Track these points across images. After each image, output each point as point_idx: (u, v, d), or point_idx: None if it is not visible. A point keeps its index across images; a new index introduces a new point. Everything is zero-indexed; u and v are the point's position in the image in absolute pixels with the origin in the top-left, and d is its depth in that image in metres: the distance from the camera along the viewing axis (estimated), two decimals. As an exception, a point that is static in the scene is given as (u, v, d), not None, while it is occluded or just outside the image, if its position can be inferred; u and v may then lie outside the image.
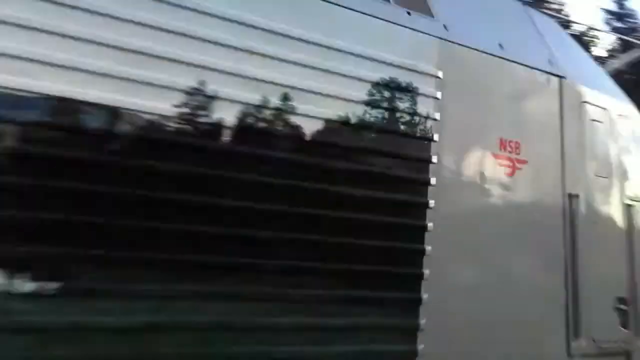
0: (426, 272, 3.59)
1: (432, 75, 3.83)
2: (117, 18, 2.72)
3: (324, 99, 3.34)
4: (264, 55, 3.14)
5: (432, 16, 4.01)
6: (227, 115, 2.99)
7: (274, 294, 3.10)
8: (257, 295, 3.04)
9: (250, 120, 3.11)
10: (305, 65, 3.29)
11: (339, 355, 3.29)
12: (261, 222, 3.05)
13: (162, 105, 2.82)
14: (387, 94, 3.64)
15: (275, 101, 3.14)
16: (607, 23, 28.62)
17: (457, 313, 3.72)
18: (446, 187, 3.79)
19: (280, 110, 3.17)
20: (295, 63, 3.24)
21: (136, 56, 2.76)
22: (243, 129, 3.08)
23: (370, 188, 3.45)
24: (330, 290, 3.30)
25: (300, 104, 3.22)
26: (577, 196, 4.56)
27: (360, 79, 3.50)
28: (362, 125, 3.51)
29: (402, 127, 3.74)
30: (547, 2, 23.39)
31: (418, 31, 3.86)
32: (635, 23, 28.97)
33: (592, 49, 24.76)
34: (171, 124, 2.86)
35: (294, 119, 3.23)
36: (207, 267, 2.90)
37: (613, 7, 29.02)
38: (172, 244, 2.81)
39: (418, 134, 3.78)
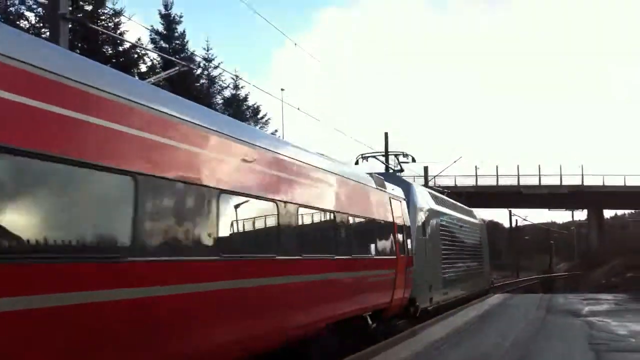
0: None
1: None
2: None
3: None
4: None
5: None
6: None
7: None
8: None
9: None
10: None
11: None
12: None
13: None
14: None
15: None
16: (154, 42, 33.10)
17: None
18: None
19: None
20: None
21: None
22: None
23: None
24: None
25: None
26: None
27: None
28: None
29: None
30: (99, 19, 25.90)
31: None
32: (182, 45, 33.65)
33: (139, 65, 28.79)
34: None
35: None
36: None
37: (161, 28, 33.50)
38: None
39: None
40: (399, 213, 16.26)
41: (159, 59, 30.46)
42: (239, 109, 36.52)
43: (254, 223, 8.98)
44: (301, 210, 10.10)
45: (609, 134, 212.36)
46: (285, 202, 9.48)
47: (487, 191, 71.18)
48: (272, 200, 9.16)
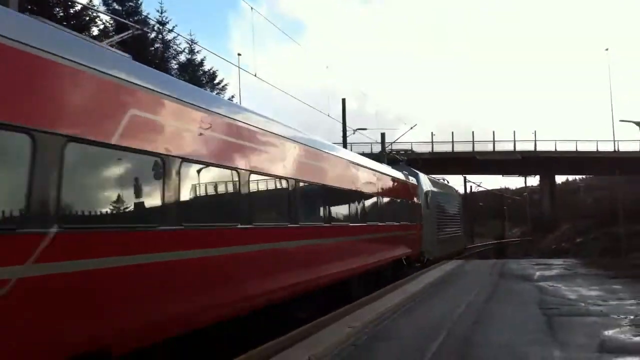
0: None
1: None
2: None
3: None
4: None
5: None
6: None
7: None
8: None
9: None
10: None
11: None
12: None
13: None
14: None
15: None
16: (106, 4, 32.47)
17: None
18: None
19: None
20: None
21: None
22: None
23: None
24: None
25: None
26: None
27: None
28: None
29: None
30: None
31: None
32: (135, 7, 33.05)
33: (91, 28, 28.67)
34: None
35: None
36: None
37: None
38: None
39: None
40: (415, 194, 26.29)
41: (111, 21, 29.71)
42: (195, 75, 35.96)
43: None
44: (368, 196, 18.01)
45: (561, 98, 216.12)
46: (351, 190, 16.32)
47: (443, 157, 71.98)
48: (355, 191, 16.80)
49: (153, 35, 33.99)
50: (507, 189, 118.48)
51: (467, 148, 73.78)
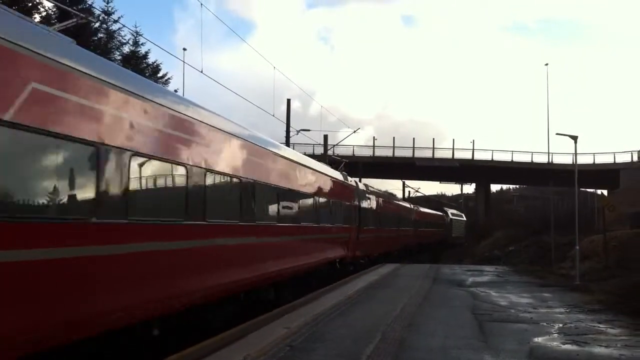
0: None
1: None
2: None
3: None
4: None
5: None
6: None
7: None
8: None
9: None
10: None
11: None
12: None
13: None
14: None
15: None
16: None
17: None
18: None
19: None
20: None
21: None
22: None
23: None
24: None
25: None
26: None
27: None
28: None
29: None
30: None
31: None
32: None
33: (34, 15, 27.64)
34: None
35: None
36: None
37: None
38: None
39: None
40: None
41: (54, 9, 28.87)
42: (138, 67, 35.29)
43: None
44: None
45: (500, 110, 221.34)
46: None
47: (384, 162, 72.76)
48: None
49: (97, 25, 33.16)
50: (444, 195, 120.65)
51: (408, 154, 74.81)
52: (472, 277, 24.82)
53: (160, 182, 9.16)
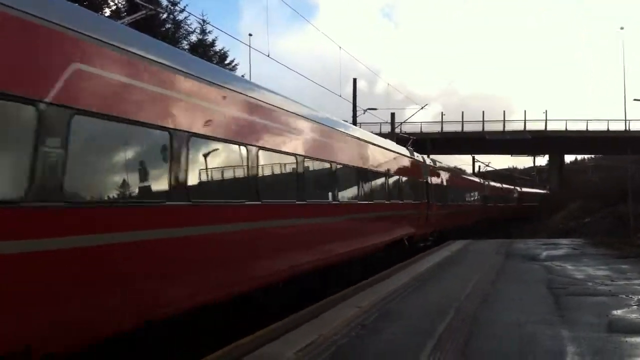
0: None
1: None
2: None
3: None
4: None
5: None
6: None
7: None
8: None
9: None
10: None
11: None
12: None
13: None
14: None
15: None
16: None
17: None
18: None
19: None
20: None
21: None
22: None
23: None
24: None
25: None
26: None
27: None
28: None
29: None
30: None
31: None
32: None
33: (104, 8, 28.41)
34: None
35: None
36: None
37: None
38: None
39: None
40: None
41: (123, 2, 29.61)
42: (206, 54, 35.87)
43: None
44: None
45: (573, 78, 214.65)
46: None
47: (452, 137, 71.81)
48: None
49: (165, 15, 33.81)
50: (515, 169, 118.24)
51: (477, 128, 73.56)
52: (546, 250, 24.30)
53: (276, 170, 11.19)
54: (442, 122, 74.54)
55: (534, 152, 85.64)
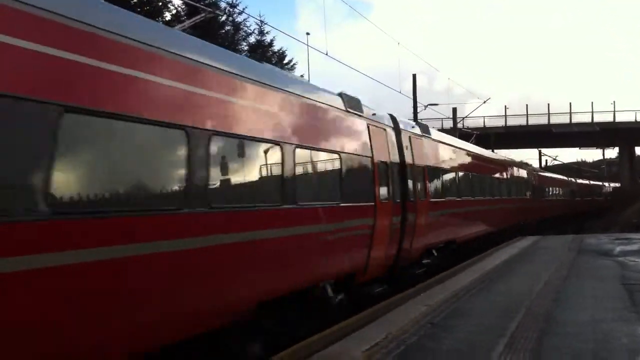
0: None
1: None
2: None
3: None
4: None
5: None
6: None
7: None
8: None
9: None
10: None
11: None
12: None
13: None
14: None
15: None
16: None
17: None
18: None
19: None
20: None
21: None
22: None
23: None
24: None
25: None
26: None
27: None
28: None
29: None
30: None
31: None
32: None
33: (164, 12, 28.15)
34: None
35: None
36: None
37: None
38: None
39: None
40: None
41: (183, 6, 30.14)
42: (265, 55, 36.18)
43: None
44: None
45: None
46: None
47: (517, 131, 70.41)
48: None
49: (223, 18, 34.24)
50: (584, 162, 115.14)
51: (542, 121, 71.90)
52: (619, 246, 23.55)
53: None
54: (505, 115, 73.26)
55: (602, 145, 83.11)
